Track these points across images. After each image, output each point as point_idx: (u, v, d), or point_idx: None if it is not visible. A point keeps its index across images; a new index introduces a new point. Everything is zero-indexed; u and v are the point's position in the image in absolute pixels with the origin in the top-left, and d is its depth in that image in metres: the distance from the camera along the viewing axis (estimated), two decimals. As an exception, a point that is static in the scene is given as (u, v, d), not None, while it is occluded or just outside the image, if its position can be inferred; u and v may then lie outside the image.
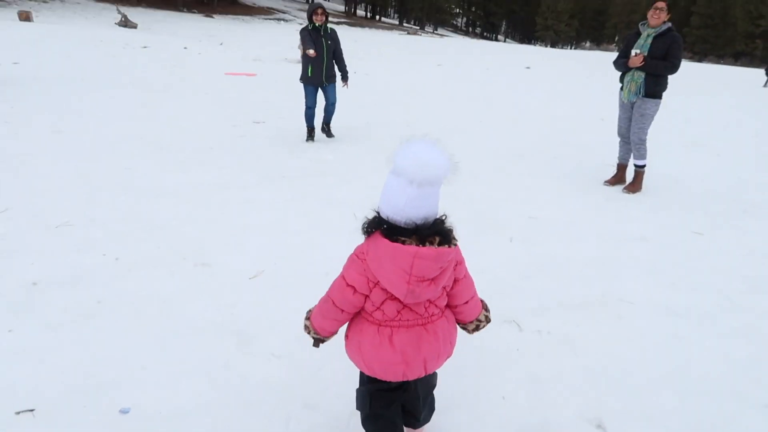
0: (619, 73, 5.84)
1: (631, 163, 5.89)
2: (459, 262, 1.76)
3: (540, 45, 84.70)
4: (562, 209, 5.07)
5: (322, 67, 6.83)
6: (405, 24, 73.79)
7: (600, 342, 2.86)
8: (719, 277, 3.78)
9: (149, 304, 2.97)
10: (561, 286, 3.48)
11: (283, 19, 48.33)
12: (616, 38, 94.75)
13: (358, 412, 1.94)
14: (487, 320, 1.92)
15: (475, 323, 1.88)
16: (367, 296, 1.69)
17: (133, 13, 30.75)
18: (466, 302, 1.82)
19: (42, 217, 4.03)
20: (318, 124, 7.42)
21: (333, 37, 6.94)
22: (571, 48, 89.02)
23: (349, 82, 7.40)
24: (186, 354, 2.58)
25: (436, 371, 1.93)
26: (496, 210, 4.93)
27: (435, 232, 1.59)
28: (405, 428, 2.01)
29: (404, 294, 1.61)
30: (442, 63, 22.26)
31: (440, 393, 2.09)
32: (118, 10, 27.94)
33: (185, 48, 18.51)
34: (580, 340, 2.86)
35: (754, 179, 6.63)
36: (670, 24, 5.49)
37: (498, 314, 3.08)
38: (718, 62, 65.77)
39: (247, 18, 45.59)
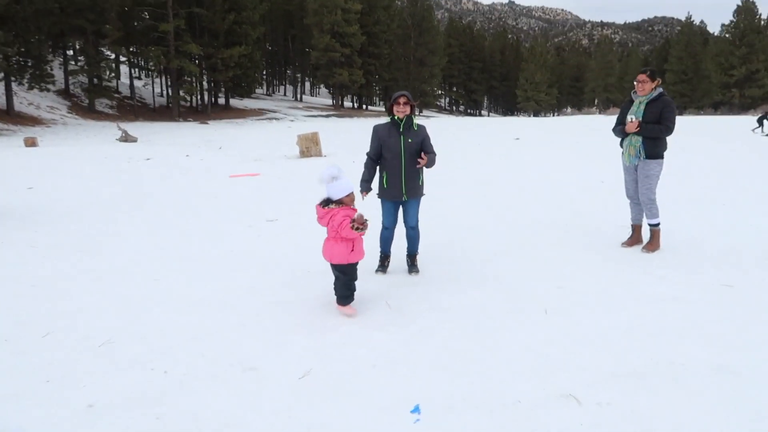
0: (619, 139, 6.10)
1: (645, 223, 6.02)
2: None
3: (523, 115, 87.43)
4: (588, 276, 5.14)
5: (400, 175, 5.10)
6: (391, 110, 76.10)
7: (664, 410, 2.85)
8: (764, 328, 3.81)
9: (208, 417, 2.97)
10: (609, 355, 3.49)
11: (275, 118, 50.05)
12: (596, 101, 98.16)
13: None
14: None
15: None
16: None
17: (132, 128, 31.88)
18: None
19: (83, 338, 4.07)
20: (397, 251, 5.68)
21: (419, 134, 5.16)
22: (553, 115, 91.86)
23: (430, 163, 5.20)
24: (255, 464, 2.57)
25: (341, 267, 4.38)
26: (523, 284, 4.99)
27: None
28: None
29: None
30: (434, 143, 22.87)
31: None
32: (118, 126, 28.97)
33: (187, 156, 19.05)
34: (644, 409, 2.86)
35: (766, 225, 6.74)
36: (661, 89, 5.79)
37: (553, 390, 3.10)
38: (698, 113, 67.84)
39: (240, 120, 47.19)
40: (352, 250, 4.36)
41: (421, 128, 5.27)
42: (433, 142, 5.37)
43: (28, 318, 4.46)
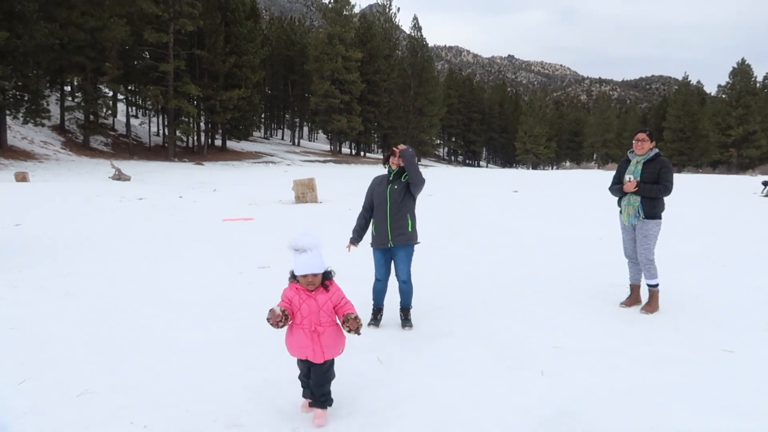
0: (616, 198, 6.08)
1: (644, 282, 5.94)
2: None
3: (522, 167, 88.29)
4: (585, 336, 5.02)
5: (386, 219, 5.22)
6: (388, 157, 76.82)
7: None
8: (764, 396, 3.70)
9: (187, 479, 2.81)
10: (609, 423, 3.36)
11: (272, 162, 50.32)
12: (594, 156, 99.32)
13: None
14: None
15: None
16: None
17: (126, 166, 31.86)
18: None
19: (62, 387, 3.90)
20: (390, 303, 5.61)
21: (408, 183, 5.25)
22: (552, 168, 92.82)
23: (407, 154, 5.20)
24: None
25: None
26: (520, 342, 4.87)
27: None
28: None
29: None
30: (432, 193, 22.98)
31: None
32: (111, 164, 28.97)
33: (180, 197, 18.97)
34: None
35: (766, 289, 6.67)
36: (657, 150, 5.82)
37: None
38: (697, 171, 68.51)
39: (236, 163, 47.36)
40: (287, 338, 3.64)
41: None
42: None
43: (4, 363, 4.29)
